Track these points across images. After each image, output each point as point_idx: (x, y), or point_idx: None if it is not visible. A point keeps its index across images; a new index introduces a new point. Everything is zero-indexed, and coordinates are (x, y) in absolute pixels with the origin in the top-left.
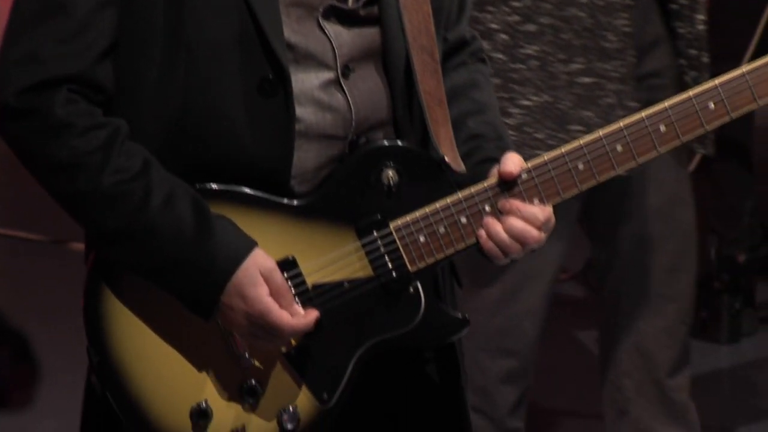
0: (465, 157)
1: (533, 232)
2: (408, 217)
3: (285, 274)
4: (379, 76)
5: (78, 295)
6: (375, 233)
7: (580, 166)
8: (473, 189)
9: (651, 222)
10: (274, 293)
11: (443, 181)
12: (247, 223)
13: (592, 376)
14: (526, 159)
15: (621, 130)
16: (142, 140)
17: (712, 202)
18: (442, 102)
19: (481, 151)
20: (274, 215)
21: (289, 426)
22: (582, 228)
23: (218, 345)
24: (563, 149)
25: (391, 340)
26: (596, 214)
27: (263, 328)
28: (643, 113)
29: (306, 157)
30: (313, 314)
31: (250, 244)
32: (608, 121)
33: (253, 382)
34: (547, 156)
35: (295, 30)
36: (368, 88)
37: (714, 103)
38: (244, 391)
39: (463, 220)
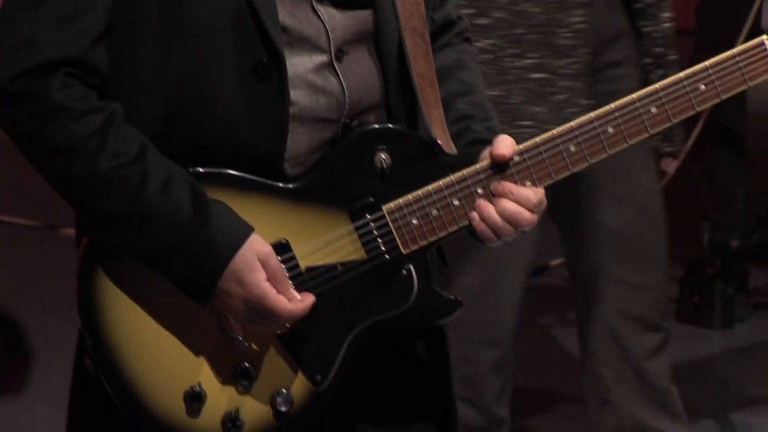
0: (454, 138)
1: (526, 214)
2: (401, 200)
3: (279, 258)
4: (372, 59)
5: (71, 280)
6: (368, 216)
7: (572, 148)
8: (465, 171)
9: (620, 212)
10: (271, 278)
11: (436, 164)
12: (240, 206)
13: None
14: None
15: (612, 111)
16: (137, 124)
17: (706, 189)
18: (434, 84)
19: (470, 132)
20: (266, 198)
21: (283, 408)
22: (551, 218)
23: (212, 327)
24: (555, 131)
25: (384, 323)
26: (565, 204)
27: (260, 312)
28: (634, 95)
29: (299, 140)
30: (310, 299)
31: (247, 230)
32: (559, 118)
33: (247, 364)
34: (539, 138)
35: (289, 13)
36: (361, 71)
37: (704, 85)
38: (237, 373)
39: (456, 202)
